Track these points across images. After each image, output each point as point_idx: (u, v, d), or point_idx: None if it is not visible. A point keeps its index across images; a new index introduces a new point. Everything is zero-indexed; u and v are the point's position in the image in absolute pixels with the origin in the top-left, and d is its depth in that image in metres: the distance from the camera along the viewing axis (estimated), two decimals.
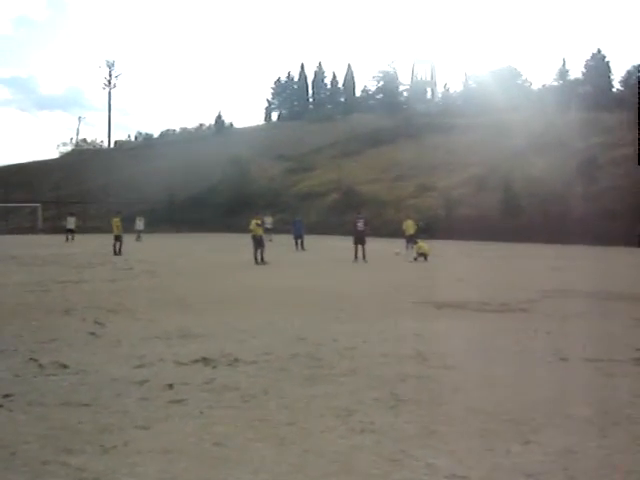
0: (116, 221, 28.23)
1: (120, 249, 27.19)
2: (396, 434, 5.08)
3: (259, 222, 23.50)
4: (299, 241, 31.66)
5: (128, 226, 40.58)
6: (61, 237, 41.04)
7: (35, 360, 7.67)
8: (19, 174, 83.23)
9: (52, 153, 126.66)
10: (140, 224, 42.48)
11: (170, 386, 6.53)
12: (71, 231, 40.73)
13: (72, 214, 43.35)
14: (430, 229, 36.47)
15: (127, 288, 15.29)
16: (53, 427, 5.33)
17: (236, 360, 7.66)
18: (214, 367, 7.36)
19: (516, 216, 42.44)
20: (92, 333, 9.43)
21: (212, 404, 5.92)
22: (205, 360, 7.65)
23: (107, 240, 29.50)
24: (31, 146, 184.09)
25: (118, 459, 4.63)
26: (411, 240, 26.74)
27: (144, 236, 41.57)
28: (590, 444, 4.87)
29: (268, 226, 33.98)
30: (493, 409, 5.72)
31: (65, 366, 7.39)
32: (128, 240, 33.71)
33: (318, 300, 13.36)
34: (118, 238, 27.54)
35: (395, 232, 36.25)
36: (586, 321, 10.91)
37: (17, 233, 47.65)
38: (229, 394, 6.25)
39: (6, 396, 6.22)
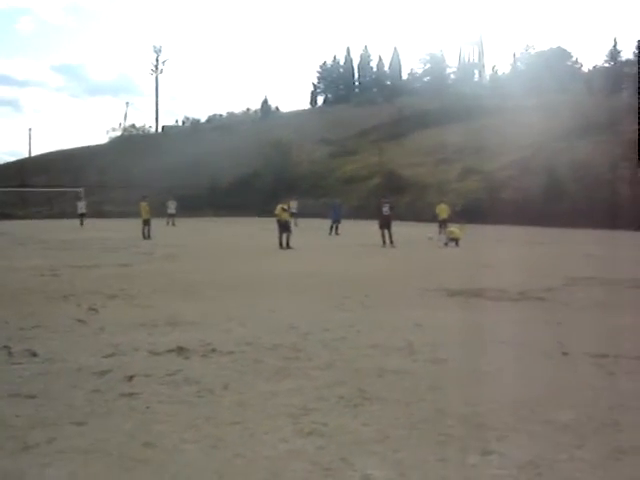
0: (144, 205, 28.14)
1: (149, 233, 27.10)
2: (345, 438, 4.60)
3: (285, 207, 23.09)
4: (334, 226, 31.01)
5: (162, 210, 40.69)
6: (100, 221, 41.27)
7: (8, 348, 7.40)
8: (68, 160, 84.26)
9: (102, 138, 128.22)
10: (172, 207, 41.58)
11: (130, 378, 6.16)
12: (82, 215, 40.44)
13: (80, 199, 43.80)
14: (467, 213, 35.56)
15: (139, 273, 15.01)
16: None
17: (213, 350, 7.27)
18: (186, 358, 6.97)
19: (560, 200, 41.13)
20: (80, 320, 9.13)
21: (164, 399, 5.52)
22: (180, 350, 7.26)
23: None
24: (82, 132, 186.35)
25: (33, 458, 4.29)
26: (444, 224, 26.15)
27: (179, 220, 41.25)
28: (560, 456, 4.30)
29: (294, 210, 33.35)
30: (465, 411, 5.18)
31: (35, 354, 7.10)
32: (160, 224, 33.80)
33: (328, 286, 12.90)
34: (146, 222, 27.48)
35: (436, 216, 35.56)
36: (604, 312, 10.19)
37: (60, 218, 47.99)
38: (187, 388, 5.84)
39: None
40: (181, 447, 4.46)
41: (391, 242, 22.64)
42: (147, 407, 5.29)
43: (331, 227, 31.00)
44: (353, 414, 5.11)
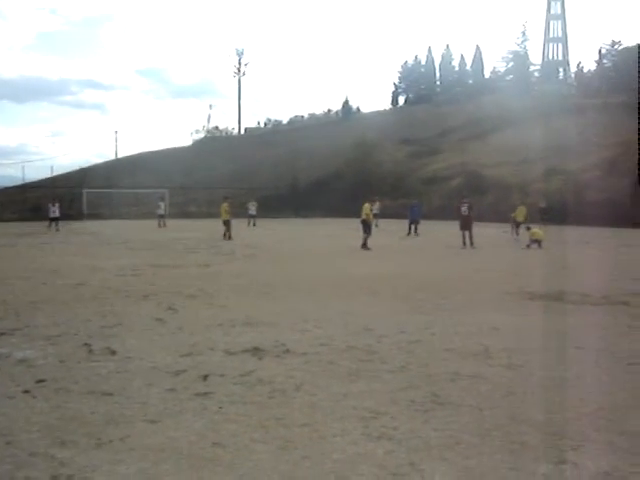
0: (224, 206, 28.38)
1: (230, 234, 27.40)
2: (415, 443, 4.55)
3: (371, 207, 23.01)
4: (413, 226, 30.72)
5: (244, 211, 41.22)
6: (183, 222, 41.98)
7: (88, 345, 7.62)
8: (153, 161, 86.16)
9: (187, 140, 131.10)
10: (252, 209, 42.32)
11: (205, 377, 6.26)
12: (162, 216, 40.65)
13: (163, 199, 44.73)
14: (552, 211, 34.75)
15: (218, 273, 15.21)
16: (64, 417, 5.16)
17: (287, 351, 7.31)
18: (260, 358, 7.02)
19: None
20: (159, 319, 9.33)
21: (236, 399, 5.58)
22: (255, 350, 7.33)
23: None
24: (167, 134, 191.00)
25: (106, 455, 4.40)
26: (519, 226, 25.91)
27: (260, 221, 41.71)
28: (637, 469, 4.15)
29: (376, 211, 33.11)
30: (541, 418, 5.06)
31: (114, 352, 7.28)
32: (241, 225, 34.27)
33: (406, 288, 12.78)
34: (226, 223, 27.74)
35: (513, 218, 34.88)
36: None
37: (146, 218, 49.09)
38: (260, 388, 5.89)
39: (39, 381, 6.15)
40: (250, 447, 4.50)
41: (471, 243, 22.32)
42: (220, 407, 5.36)
43: (409, 227, 30.72)
44: (424, 419, 5.05)
